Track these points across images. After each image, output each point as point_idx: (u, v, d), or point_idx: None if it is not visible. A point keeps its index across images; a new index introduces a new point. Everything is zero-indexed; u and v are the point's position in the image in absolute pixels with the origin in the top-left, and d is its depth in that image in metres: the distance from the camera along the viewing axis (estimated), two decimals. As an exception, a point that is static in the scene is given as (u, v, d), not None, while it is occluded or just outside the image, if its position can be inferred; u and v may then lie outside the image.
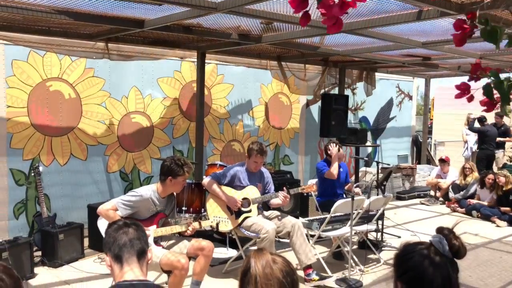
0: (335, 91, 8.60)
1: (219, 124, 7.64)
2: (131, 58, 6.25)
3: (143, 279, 2.03)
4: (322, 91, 8.41)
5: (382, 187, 5.63)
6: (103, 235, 3.88)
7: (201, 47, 6.44)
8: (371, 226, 5.32)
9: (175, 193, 4.18)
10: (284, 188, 4.76)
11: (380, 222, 5.73)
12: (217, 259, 5.15)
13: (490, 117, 10.02)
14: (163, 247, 3.91)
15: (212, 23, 5.00)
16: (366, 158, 8.48)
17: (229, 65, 7.54)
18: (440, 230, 1.67)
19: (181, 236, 4.20)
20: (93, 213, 4.69)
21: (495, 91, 1.54)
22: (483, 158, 9.76)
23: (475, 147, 10.52)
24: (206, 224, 4.25)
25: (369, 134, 9.81)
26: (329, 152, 5.61)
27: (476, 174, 8.53)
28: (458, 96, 1.68)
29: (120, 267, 2.04)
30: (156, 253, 3.64)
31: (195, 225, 3.98)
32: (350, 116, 9.45)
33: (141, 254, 2.08)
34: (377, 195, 5.39)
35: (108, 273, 4.45)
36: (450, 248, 1.61)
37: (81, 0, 4.05)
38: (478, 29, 1.57)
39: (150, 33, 5.47)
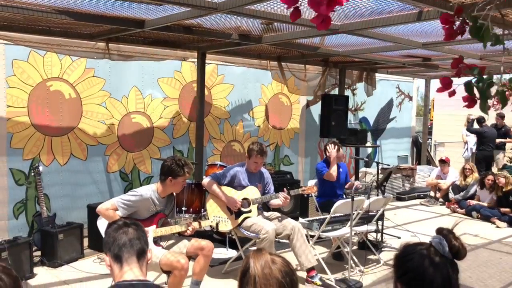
0: (335, 91, 8.60)
1: (219, 125, 7.64)
2: (131, 58, 6.25)
3: (142, 279, 2.03)
4: (322, 91, 8.41)
5: (382, 188, 5.62)
6: (103, 235, 3.87)
7: (201, 47, 6.44)
8: (371, 227, 5.31)
9: (174, 193, 4.18)
10: (285, 189, 4.76)
11: (380, 222, 5.73)
12: (217, 259, 5.14)
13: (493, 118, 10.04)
14: (162, 247, 3.91)
15: (213, 24, 5.00)
16: (366, 159, 8.48)
17: (230, 66, 7.54)
18: (440, 231, 1.67)
19: (180, 236, 4.20)
20: (92, 213, 4.68)
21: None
22: (481, 159, 9.76)
23: (475, 148, 10.52)
24: (206, 224, 4.24)
25: (369, 134, 9.81)
26: (327, 153, 5.59)
27: (476, 175, 8.52)
28: (439, 90, 1.68)
29: (119, 267, 2.04)
30: (155, 253, 3.63)
31: (195, 225, 3.97)
32: (350, 116, 9.45)
33: (141, 254, 2.08)
34: (377, 195, 5.38)
35: (107, 273, 4.45)
36: (450, 249, 1.61)
37: (82, 0, 4.04)
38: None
39: (150, 33, 5.47)
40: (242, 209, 4.71)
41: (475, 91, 1.55)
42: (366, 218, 5.16)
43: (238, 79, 7.80)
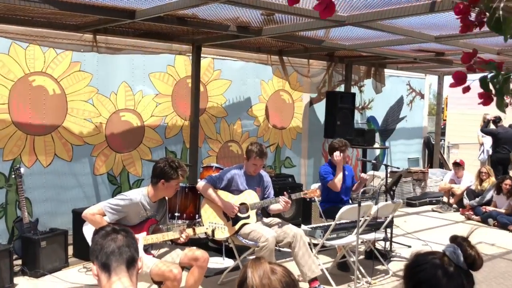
0: (341, 88, 8.60)
1: (216, 124, 7.64)
2: (121, 51, 6.25)
3: (132, 290, 2.03)
4: (327, 88, 8.41)
5: (391, 193, 5.63)
6: (89, 242, 3.87)
7: (196, 40, 6.44)
8: (379, 235, 5.31)
9: (167, 198, 4.18)
10: (285, 193, 4.76)
11: (388, 230, 5.73)
12: (212, 269, 5.14)
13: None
14: (153, 256, 3.91)
15: (209, 14, 5.00)
16: (374, 161, 8.50)
17: (227, 60, 7.54)
18: (454, 239, 1.66)
19: (173, 244, 4.19)
20: (78, 218, 4.68)
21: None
22: (496, 162, 9.77)
23: (491, 150, 10.54)
24: (200, 231, 4.24)
25: (377, 135, 9.82)
26: (335, 158, 5.54)
27: (493, 179, 8.53)
28: (452, 86, 1.68)
29: (107, 277, 2.04)
30: (146, 262, 3.63)
31: (189, 232, 3.97)
32: (357, 115, 9.46)
33: (131, 263, 2.07)
34: (386, 201, 5.39)
35: (94, 284, 4.45)
36: (465, 258, 1.61)
37: (67, -12, 4.05)
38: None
39: (141, 24, 5.47)
40: (240, 215, 4.70)
41: (491, 87, 1.54)
42: (374, 225, 5.16)
43: (236, 75, 7.80)
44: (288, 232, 4.64)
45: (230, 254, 5.33)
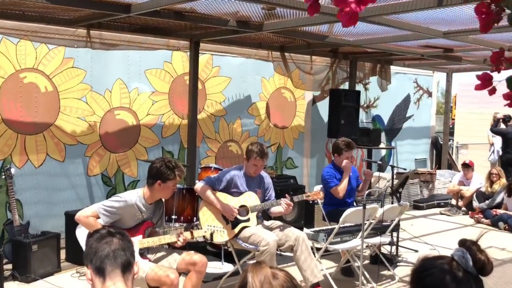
0: (345, 86, 8.60)
1: (214, 123, 7.65)
2: (115, 47, 6.25)
3: (127, 295, 2.03)
4: (331, 86, 8.41)
5: (398, 195, 5.62)
6: (82, 246, 3.87)
7: (194, 36, 6.45)
8: (385, 239, 5.32)
9: (163, 199, 4.18)
10: (287, 195, 4.76)
11: (394, 234, 5.73)
12: (211, 274, 5.14)
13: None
14: (150, 260, 3.91)
15: (207, 8, 5.00)
16: (380, 162, 8.49)
17: (226, 56, 7.55)
18: (463, 243, 1.66)
19: (170, 248, 4.19)
20: (71, 221, 4.68)
21: None
22: (506, 163, 9.77)
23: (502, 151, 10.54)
24: (198, 234, 4.24)
25: (383, 135, 9.82)
26: (343, 165, 5.53)
27: (504, 181, 8.52)
28: (478, 88, 1.68)
29: (102, 282, 2.04)
30: (142, 266, 3.63)
31: (187, 235, 3.97)
32: (362, 114, 9.46)
33: (126, 267, 2.08)
34: (392, 203, 5.39)
35: (87, 289, 4.45)
36: (474, 263, 1.61)
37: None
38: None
39: (137, 18, 5.47)
40: (240, 217, 4.71)
41: None
42: (379, 229, 5.16)
43: (236, 72, 7.80)
44: (290, 235, 4.64)
45: (229, 259, 5.33)
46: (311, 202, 6.15)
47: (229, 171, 4.89)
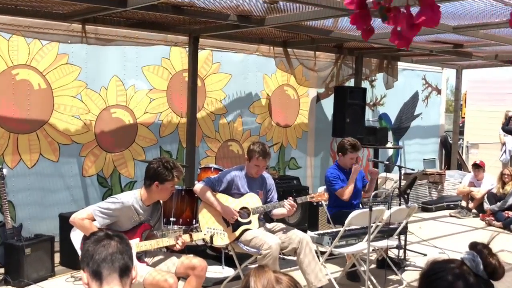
0: (351, 83, 8.60)
1: (214, 121, 7.65)
2: (111, 42, 6.26)
3: (125, 301, 2.04)
4: (335, 83, 8.41)
5: (405, 196, 5.62)
6: (77, 250, 3.88)
7: (193, 31, 6.45)
8: (392, 242, 5.31)
9: (161, 201, 4.18)
10: (290, 197, 4.76)
11: (402, 237, 5.73)
12: (211, 279, 5.15)
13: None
14: (147, 264, 3.92)
15: (207, 2, 5.01)
16: (387, 162, 8.48)
17: (227, 52, 7.55)
18: (473, 246, 1.67)
19: (168, 251, 4.20)
20: (65, 223, 4.69)
21: None
22: None
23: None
24: (198, 237, 4.24)
25: (390, 133, 9.81)
26: (354, 168, 5.54)
27: (516, 182, 8.52)
28: None
29: (98, 286, 2.05)
30: (139, 271, 3.63)
31: (185, 238, 3.98)
32: (368, 112, 9.45)
33: (124, 271, 2.08)
34: (399, 205, 5.39)
35: (82, 294, 4.45)
36: (485, 267, 1.61)
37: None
38: None
39: (134, 13, 5.47)
40: (241, 220, 4.71)
41: None
42: (386, 232, 5.16)
43: (237, 68, 7.80)
44: (293, 237, 4.64)
45: (230, 263, 5.33)
46: (315, 204, 6.15)
47: (230, 172, 4.90)
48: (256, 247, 4.52)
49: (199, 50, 6.72)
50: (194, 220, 5.46)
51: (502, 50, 7.80)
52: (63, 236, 5.43)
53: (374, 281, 5.07)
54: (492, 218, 8.35)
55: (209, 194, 4.74)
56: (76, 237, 3.91)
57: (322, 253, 4.96)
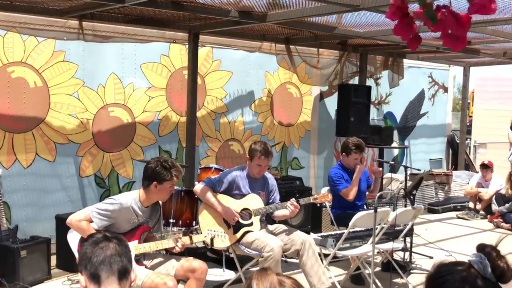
0: (355, 81, 8.60)
1: (215, 120, 7.65)
2: (109, 39, 6.26)
3: (123, 304, 2.04)
4: (339, 81, 8.41)
5: (411, 197, 5.62)
6: (74, 252, 3.89)
7: (193, 27, 6.45)
8: (398, 244, 5.32)
9: (160, 202, 4.19)
10: (293, 198, 4.76)
11: (408, 239, 5.73)
12: (211, 282, 5.15)
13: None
14: (146, 267, 3.92)
15: (208, -2, 5.02)
16: (392, 162, 8.48)
17: (227, 49, 7.55)
18: (481, 248, 1.67)
19: (168, 253, 4.21)
20: (62, 225, 4.69)
21: None
22: None
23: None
24: (198, 240, 4.25)
25: (395, 133, 9.80)
26: (357, 168, 5.54)
27: (525, 183, 8.52)
28: None
29: (97, 289, 2.05)
30: (137, 274, 3.64)
31: (185, 240, 3.98)
32: (373, 111, 9.45)
33: (123, 274, 2.08)
34: (405, 206, 5.39)
35: (80, 298, 4.46)
36: (493, 270, 1.61)
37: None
38: None
39: (132, 9, 5.48)
40: (242, 221, 4.71)
41: None
42: (391, 234, 5.16)
43: (238, 66, 7.80)
44: (296, 239, 4.65)
45: (231, 265, 5.34)
46: (318, 205, 6.15)
47: (231, 172, 4.90)
48: (257, 249, 4.52)
49: (199, 47, 6.73)
50: (194, 222, 5.46)
51: (511, 47, 7.80)
52: (60, 238, 5.44)
53: (379, 284, 5.07)
54: (501, 220, 8.34)
55: (209, 195, 4.74)
56: (73, 239, 3.92)
57: (326, 255, 4.95)
